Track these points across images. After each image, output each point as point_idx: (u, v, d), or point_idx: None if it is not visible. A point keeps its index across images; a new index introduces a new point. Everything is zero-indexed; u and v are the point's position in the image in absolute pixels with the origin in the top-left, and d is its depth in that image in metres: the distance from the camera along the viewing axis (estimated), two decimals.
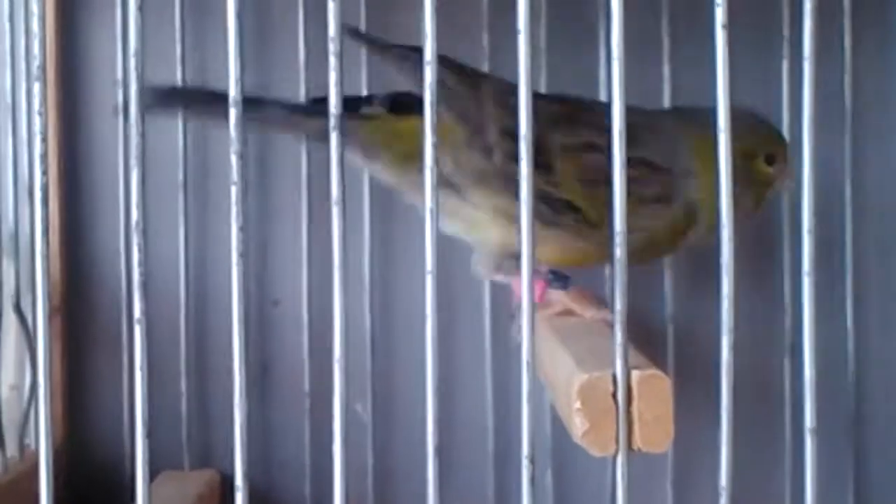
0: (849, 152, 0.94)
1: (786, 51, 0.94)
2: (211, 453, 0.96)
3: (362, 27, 0.93)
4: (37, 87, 0.56)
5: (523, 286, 0.57)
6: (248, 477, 0.58)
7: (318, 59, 0.92)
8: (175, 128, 0.94)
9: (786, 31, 0.94)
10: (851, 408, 0.94)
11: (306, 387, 0.95)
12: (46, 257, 0.57)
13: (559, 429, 0.91)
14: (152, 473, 0.58)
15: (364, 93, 0.93)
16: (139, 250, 0.56)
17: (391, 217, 0.95)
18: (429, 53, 0.57)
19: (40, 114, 0.56)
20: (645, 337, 0.70)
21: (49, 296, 0.56)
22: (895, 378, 0.96)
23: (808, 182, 0.57)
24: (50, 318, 0.58)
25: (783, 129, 0.93)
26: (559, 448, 0.94)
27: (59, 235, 0.94)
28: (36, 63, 0.57)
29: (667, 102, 0.94)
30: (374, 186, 0.94)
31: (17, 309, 0.86)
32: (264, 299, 0.96)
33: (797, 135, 0.91)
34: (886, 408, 0.96)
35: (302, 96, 0.93)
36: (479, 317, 0.95)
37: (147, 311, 0.57)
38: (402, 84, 0.79)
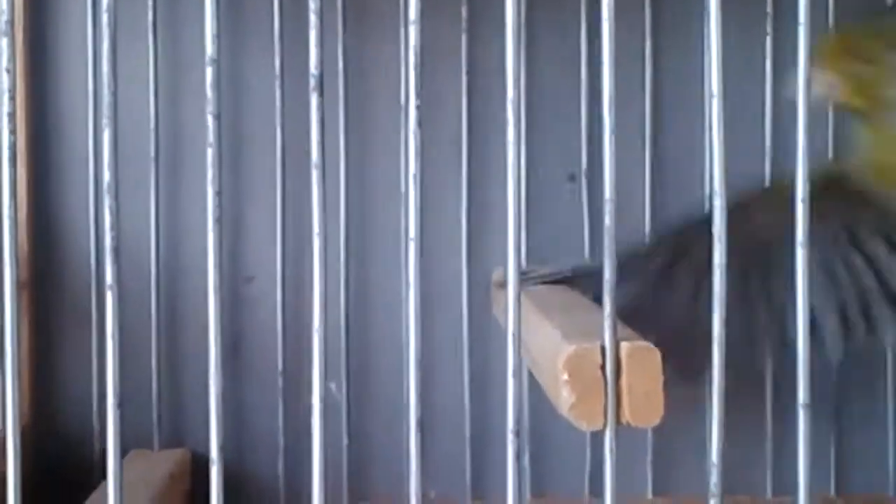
0: (832, 123, 0.93)
1: (769, 27, 0.93)
2: (181, 433, 0.94)
3: None
4: (4, 42, 0.54)
5: (509, 261, 0.56)
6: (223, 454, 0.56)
7: (293, 22, 0.91)
8: (146, 94, 0.92)
9: (769, 9, 0.93)
10: (833, 385, 0.93)
11: (280, 365, 0.93)
12: (14, 221, 0.55)
13: (536, 407, 0.90)
14: (122, 453, 0.57)
15: (340, 63, 0.91)
16: (111, 213, 0.54)
17: (367, 190, 0.93)
18: (413, 13, 0.55)
19: (8, 71, 0.54)
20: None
21: (17, 264, 0.54)
22: (878, 355, 0.95)
23: (801, 148, 0.56)
24: (18, 292, 0.56)
25: (767, 107, 0.92)
26: (536, 427, 0.93)
27: (27, 208, 0.92)
28: (3, 18, 0.54)
29: (648, 77, 0.93)
30: (350, 157, 0.92)
31: None
32: (237, 276, 0.94)
33: (784, 109, 0.91)
34: (868, 385, 0.96)
35: (276, 60, 0.91)
36: (456, 293, 0.94)
37: (118, 291, 0.55)
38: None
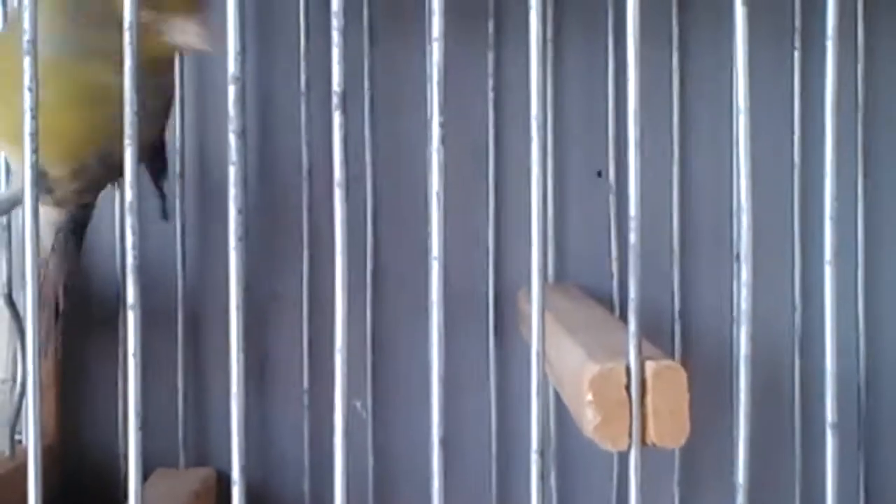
0: (861, 142, 0.92)
1: (797, 42, 0.92)
2: (207, 452, 0.94)
3: (365, 9, 0.91)
4: (27, 61, 0.54)
5: (533, 279, 0.55)
6: (245, 474, 0.55)
7: (318, 38, 0.91)
8: (172, 116, 0.91)
9: (797, 23, 0.92)
10: (862, 403, 0.92)
11: (305, 383, 0.92)
12: (36, 240, 0.55)
13: (562, 427, 0.89)
14: (147, 472, 0.56)
15: (366, 80, 0.91)
16: (133, 232, 0.54)
17: (393, 206, 0.93)
18: (436, 30, 0.54)
19: (30, 90, 0.54)
20: (649, 331, 0.69)
21: (39, 278, 0.54)
22: None
23: (830, 164, 0.55)
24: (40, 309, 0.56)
25: (796, 120, 0.91)
26: (562, 445, 0.92)
27: None
28: (26, 37, 0.54)
29: (675, 90, 0.92)
30: (376, 173, 0.92)
31: (9, 300, 0.83)
32: (263, 293, 0.94)
33: (811, 123, 0.90)
34: None
35: (302, 77, 0.91)
36: (482, 310, 0.93)
37: (143, 309, 0.55)
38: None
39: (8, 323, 0.84)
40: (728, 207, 0.91)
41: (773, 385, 0.92)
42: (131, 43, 0.53)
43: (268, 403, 0.94)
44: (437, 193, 0.55)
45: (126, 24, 0.53)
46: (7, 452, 0.84)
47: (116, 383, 0.92)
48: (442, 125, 0.54)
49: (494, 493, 0.93)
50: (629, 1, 0.56)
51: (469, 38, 0.92)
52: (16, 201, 0.75)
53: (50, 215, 0.78)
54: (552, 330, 0.71)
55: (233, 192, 0.55)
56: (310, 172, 0.92)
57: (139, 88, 0.54)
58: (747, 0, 0.55)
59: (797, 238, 0.91)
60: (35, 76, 0.54)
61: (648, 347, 0.58)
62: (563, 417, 0.87)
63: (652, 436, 0.55)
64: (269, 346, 0.94)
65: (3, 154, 0.83)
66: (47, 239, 0.79)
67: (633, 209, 0.55)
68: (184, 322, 0.92)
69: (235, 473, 0.55)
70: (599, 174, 0.93)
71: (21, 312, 0.83)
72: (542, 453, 0.55)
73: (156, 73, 0.70)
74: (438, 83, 0.55)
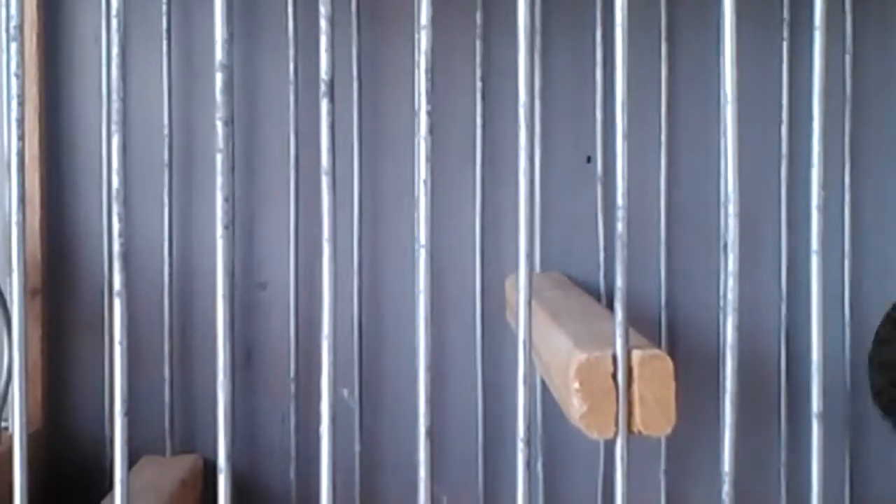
0: (848, 132, 0.92)
1: (785, 33, 0.92)
2: (194, 440, 0.93)
3: (353, 1, 0.91)
4: (13, 47, 0.54)
5: (520, 268, 0.55)
6: (233, 462, 0.55)
7: (306, 29, 0.91)
8: (160, 101, 0.91)
9: (785, 14, 0.92)
10: (847, 392, 0.92)
11: (292, 371, 0.92)
12: (22, 228, 0.55)
13: (549, 415, 0.89)
14: (134, 459, 0.56)
15: (354, 68, 0.91)
16: (119, 219, 0.53)
17: (381, 195, 0.93)
18: (424, 18, 0.54)
19: (17, 76, 0.54)
20: (636, 320, 0.69)
21: (25, 265, 0.54)
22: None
23: (817, 154, 0.55)
24: (30, 299, 0.55)
25: (784, 112, 0.91)
26: (550, 433, 0.92)
27: (40, 216, 0.91)
28: (13, 23, 0.54)
29: (663, 79, 0.92)
30: (364, 162, 0.92)
31: None
32: (250, 282, 0.93)
33: (798, 114, 0.90)
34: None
35: (290, 65, 0.91)
36: (469, 298, 0.93)
37: (130, 297, 0.55)
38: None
39: None
40: (715, 197, 0.91)
41: (760, 374, 0.93)
42: (118, 30, 0.53)
43: (255, 391, 0.93)
44: (424, 181, 0.55)
45: (113, 12, 0.53)
46: None
47: (103, 370, 0.92)
48: (429, 113, 0.54)
49: (481, 481, 0.93)
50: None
51: (457, 27, 0.92)
52: None
53: None
54: (539, 318, 0.71)
55: (220, 179, 0.55)
56: (297, 161, 0.92)
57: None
58: None
59: (784, 228, 0.92)
60: (22, 63, 0.54)
61: (635, 336, 0.58)
62: (549, 406, 0.87)
63: (638, 424, 0.55)
64: (257, 333, 0.94)
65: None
66: None
67: (619, 199, 0.55)
68: (171, 309, 0.92)
69: (222, 461, 0.55)
70: (589, 160, 0.93)
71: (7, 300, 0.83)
72: (529, 441, 0.55)
73: None
74: (426, 71, 0.54)
